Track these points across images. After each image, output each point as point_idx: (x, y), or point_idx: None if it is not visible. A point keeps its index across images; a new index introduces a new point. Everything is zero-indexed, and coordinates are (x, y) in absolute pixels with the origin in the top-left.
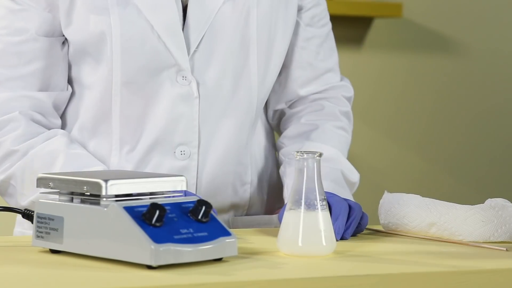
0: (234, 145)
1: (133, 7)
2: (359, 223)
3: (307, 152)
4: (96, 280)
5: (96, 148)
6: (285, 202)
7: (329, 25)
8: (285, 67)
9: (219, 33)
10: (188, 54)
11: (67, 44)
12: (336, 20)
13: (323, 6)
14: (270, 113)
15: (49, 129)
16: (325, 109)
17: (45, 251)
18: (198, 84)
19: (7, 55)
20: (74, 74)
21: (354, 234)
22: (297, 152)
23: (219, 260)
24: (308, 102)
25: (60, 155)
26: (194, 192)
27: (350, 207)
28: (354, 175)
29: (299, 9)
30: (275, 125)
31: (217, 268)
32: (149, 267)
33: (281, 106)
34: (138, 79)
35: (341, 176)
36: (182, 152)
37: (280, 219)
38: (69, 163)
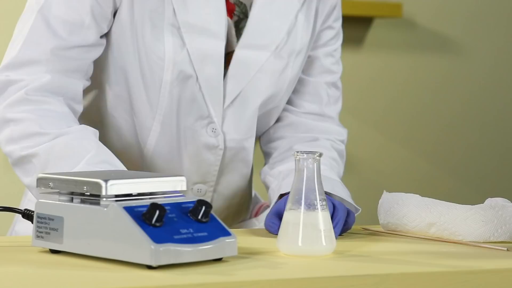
0: (243, 185)
1: (185, 53)
2: (346, 221)
3: (307, 152)
4: (96, 280)
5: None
6: (274, 196)
7: (336, 76)
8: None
9: (255, 91)
10: (223, 107)
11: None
12: None
13: (333, 61)
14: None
15: (76, 114)
16: (318, 142)
17: (45, 251)
18: (225, 137)
19: (61, 41)
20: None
21: (341, 233)
22: (297, 152)
23: (219, 260)
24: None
25: (92, 151)
26: None
27: (334, 206)
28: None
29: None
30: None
31: (217, 268)
32: (149, 267)
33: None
34: (172, 121)
35: (338, 179)
36: (199, 190)
37: (265, 222)
38: (95, 157)
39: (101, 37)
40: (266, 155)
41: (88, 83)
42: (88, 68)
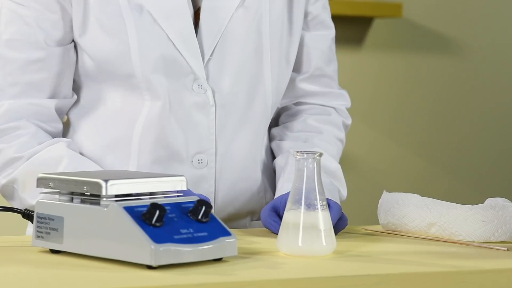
0: (251, 152)
1: (147, 14)
2: (334, 226)
3: (307, 152)
4: (96, 280)
5: (114, 161)
6: (275, 196)
7: (333, 31)
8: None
9: (232, 40)
10: (203, 62)
11: (75, 51)
12: (336, 20)
13: (328, 13)
14: None
15: (51, 133)
16: (331, 116)
17: (45, 251)
18: (213, 92)
19: (14, 62)
20: (93, 93)
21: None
22: (297, 152)
23: (219, 260)
24: (315, 104)
25: (64, 159)
26: (212, 200)
27: (329, 206)
28: (345, 193)
29: (305, 15)
30: (273, 118)
31: (217, 268)
32: (149, 267)
33: (285, 102)
34: (158, 86)
35: (337, 193)
36: (200, 161)
37: (263, 219)
38: (72, 167)
39: (60, 45)
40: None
41: (67, 101)
42: (56, 84)
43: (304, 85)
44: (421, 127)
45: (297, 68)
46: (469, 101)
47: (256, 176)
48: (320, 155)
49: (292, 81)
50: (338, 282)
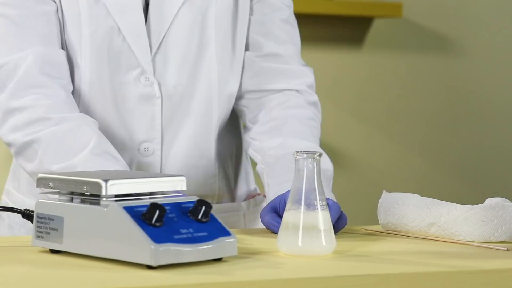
0: (197, 141)
1: (102, 6)
2: (334, 225)
3: (307, 152)
4: (96, 280)
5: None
6: (267, 201)
7: (285, 12)
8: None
9: (177, 35)
10: (150, 55)
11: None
12: (336, 20)
13: None
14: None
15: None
16: (294, 100)
17: (45, 251)
18: (160, 85)
19: (27, 14)
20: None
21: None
22: (297, 152)
23: (219, 260)
24: (275, 91)
25: (94, 137)
26: None
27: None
28: (329, 165)
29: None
30: (241, 121)
31: (217, 268)
32: (149, 267)
33: (249, 85)
34: (104, 79)
35: (331, 193)
36: (146, 149)
37: (263, 219)
38: (98, 146)
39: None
40: (239, 112)
41: (65, 53)
42: (57, 32)
43: (261, 65)
44: (421, 127)
45: (250, 50)
46: (469, 101)
47: (204, 164)
48: (320, 155)
49: (250, 64)
50: (338, 282)
